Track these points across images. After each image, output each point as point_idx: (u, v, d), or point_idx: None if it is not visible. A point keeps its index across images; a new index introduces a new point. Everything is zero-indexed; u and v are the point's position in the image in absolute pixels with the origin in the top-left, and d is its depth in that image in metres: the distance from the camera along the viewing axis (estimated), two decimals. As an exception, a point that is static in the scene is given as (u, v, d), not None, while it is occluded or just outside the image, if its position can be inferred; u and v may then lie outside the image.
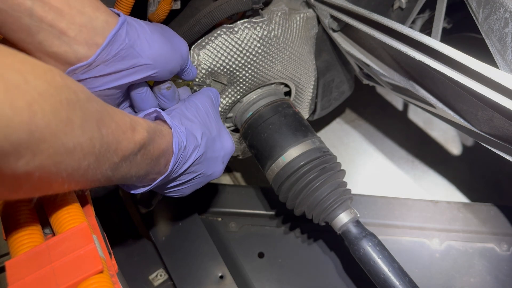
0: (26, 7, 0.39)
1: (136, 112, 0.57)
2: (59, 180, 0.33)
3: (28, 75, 0.28)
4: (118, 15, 0.47)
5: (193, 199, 0.84)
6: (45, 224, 0.41)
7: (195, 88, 0.68)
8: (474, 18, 0.63)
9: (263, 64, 0.73)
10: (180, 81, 0.64)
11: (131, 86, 0.53)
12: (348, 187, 0.72)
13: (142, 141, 0.42)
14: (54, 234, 0.40)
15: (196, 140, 0.53)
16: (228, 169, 1.19)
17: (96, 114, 0.35)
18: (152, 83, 0.57)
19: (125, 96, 0.55)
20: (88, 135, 0.33)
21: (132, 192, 0.51)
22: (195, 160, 0.54)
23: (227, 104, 0.75)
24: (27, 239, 0.37)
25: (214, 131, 0.58)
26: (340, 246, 0.80)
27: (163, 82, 0.56)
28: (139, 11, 0.68)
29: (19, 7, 0.39)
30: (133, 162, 0.42)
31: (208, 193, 0.89)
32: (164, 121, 0.51)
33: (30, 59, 0.29)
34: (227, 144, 0.61)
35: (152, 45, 0.49)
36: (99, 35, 0.44)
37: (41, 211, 0.41)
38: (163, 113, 0.51)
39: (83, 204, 0.44)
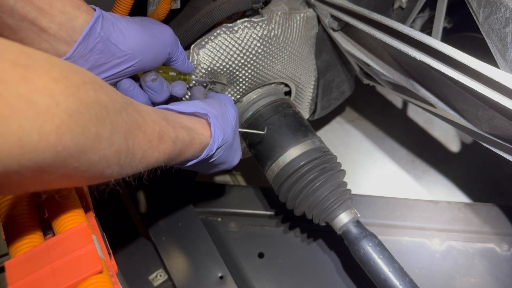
0: (8, 6, 0.40)
1: None
2: (78, 182, 0.34)
3: (59, 96, 0.27)
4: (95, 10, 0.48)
5: (193, 199, 0.84)
6: (45, 224, 0.41)
7: (193, 82, 0.67)
8: (474, 17, 0.62)
9: (263, 64, 0.72)
10: (174, 74, 0.63)
11: (119, 86, 0.54)
12: (348, 187, 0.72)
13: (167, 151, 0.43)
14: (54, 234, 0.40)
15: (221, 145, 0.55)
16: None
17: (125, 125, 0.35)
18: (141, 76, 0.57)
19: None
20: (114, 148, 0.33)
21: None
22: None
23: (227, 104, 0.75)
24: (27, 239, 0.37)
25: (230, 136, 0.59)
26: (340, 246, 0.80)
27: (149, 74, 0.56)
28: (139, 11, 0.68)
29: (1, 7, 0.40)
30: (154, 165, 0.43)
31: (208, 193, 0.89)
32: (205, 125, 0.52)
33: (65, 75, 0.29)
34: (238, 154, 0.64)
35: (128, 35, 0.50)
36: (78, 33, 0.45)
37: (41, 211, 0.41)
38: (211, 121, 0.52)
39: (83, 204, 0.44)
